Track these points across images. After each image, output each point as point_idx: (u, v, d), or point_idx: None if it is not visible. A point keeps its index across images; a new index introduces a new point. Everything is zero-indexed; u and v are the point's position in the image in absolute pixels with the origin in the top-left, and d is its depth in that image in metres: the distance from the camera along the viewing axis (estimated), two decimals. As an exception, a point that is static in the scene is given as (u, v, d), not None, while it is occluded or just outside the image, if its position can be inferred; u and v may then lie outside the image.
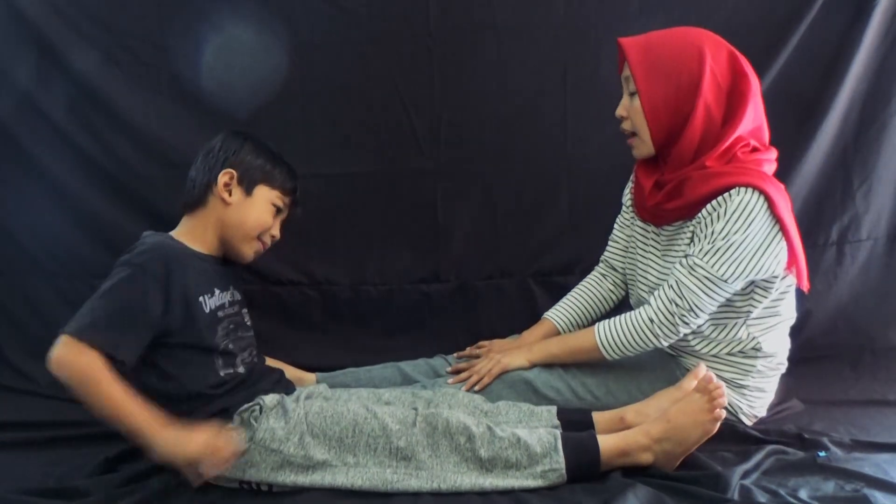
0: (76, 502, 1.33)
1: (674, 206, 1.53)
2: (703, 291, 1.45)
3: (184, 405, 1.36)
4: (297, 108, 1.94)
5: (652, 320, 1.50)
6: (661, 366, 1.60)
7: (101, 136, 1.94)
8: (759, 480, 1.35)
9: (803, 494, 1.29)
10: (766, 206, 1.43)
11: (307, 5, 1.91)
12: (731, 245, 1.43)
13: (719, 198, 1.45)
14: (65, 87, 1.92)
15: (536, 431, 1.37)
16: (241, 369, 1.45)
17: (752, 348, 1.54)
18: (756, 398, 1.58)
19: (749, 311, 1.51)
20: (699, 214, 1.48)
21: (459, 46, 1.94)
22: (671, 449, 1.37)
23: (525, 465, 1.33)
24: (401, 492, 1.32)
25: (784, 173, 1.72)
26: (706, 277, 1.45)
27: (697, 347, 1.56)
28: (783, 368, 1.61)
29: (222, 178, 1.47)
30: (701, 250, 1.46)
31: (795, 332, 1.64)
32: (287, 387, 1.53)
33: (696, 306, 1.46)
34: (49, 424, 1.66)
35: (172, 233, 1.49)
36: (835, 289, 2.01)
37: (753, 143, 1.52)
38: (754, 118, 1.51)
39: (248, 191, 1.49)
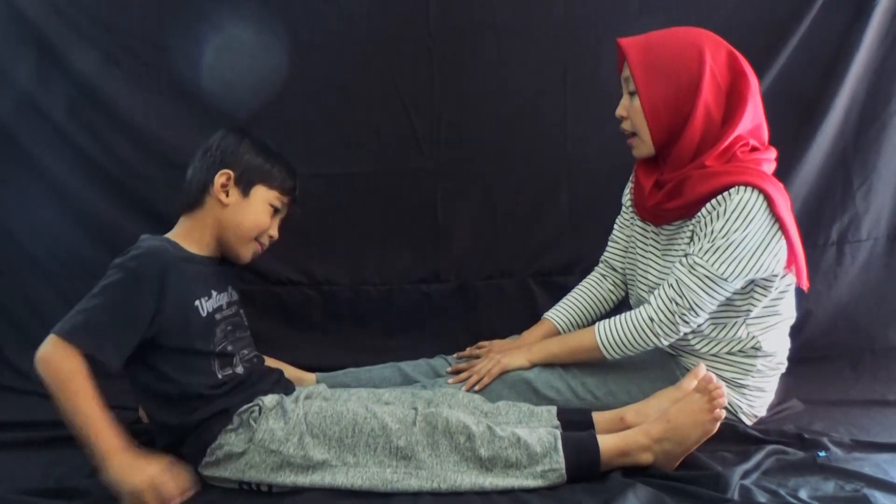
0: (76, 502, 1.33)
1: (673, 206, 1.53)
2: (703, 290, 1.45)
3: (183, 406, 1.36)
4: (297, 108, 1.95)
5: (652, 319, 1.50)
6: (660, 365, 1.60)
7: (101, 136, 1.94)
8: (759, 480, 1.35)
9: (803, 494, 1.29)
10: (765, 204, 1.43)
11: (307, 5, 1.92)
12: (730, 244, 1.43)
13: (719, 197, 1.45)
14: (65, 87, 1.92)
15: (536, 431, 1.37)
16: (239, 370, 1.44)
17: (752, 347, 1.54)
18: (756, 397, 1.58)
19: (749, 310, 1.51)
20: (699, 213, 1.48)
21: (459, 46, 1.94)
22: (671, 449, 1.37)
23: (525, 465, 1.33)
24: (400, 491, 1.32)
25: (784, 173, 1.72)
26: (706, 276, 1.45)
27: (697, 346, 1.56)
28: (783, 368, 1.61)
29: (219, 179, 1.45)
30: (701, 249, 1.46)
31: (795, 332, 1.64)
32: (286, 387, 1.52)
33: (697, 305, 1.46)
34: (49, 424, 1.65)
35: (169, 234, 1.47)
36: (835, 289, 2.01)
37: (753, 142, 1.52)
38: (753, 117, 1.51)
39: (246, 192, 1.47)
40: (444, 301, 2.03)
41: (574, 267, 1.99)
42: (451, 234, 2.02)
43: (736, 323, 1.53)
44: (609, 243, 1.78)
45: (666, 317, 1.48)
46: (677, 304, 1.47)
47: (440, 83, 1.96)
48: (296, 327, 2.02)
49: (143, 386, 1.37)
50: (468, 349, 1.75)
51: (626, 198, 1.74)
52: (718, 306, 1.50)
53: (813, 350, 1.91)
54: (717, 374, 1.48)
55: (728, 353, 1.55)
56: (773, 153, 1.55)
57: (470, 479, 1.32)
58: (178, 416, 1.36)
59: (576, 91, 1.95)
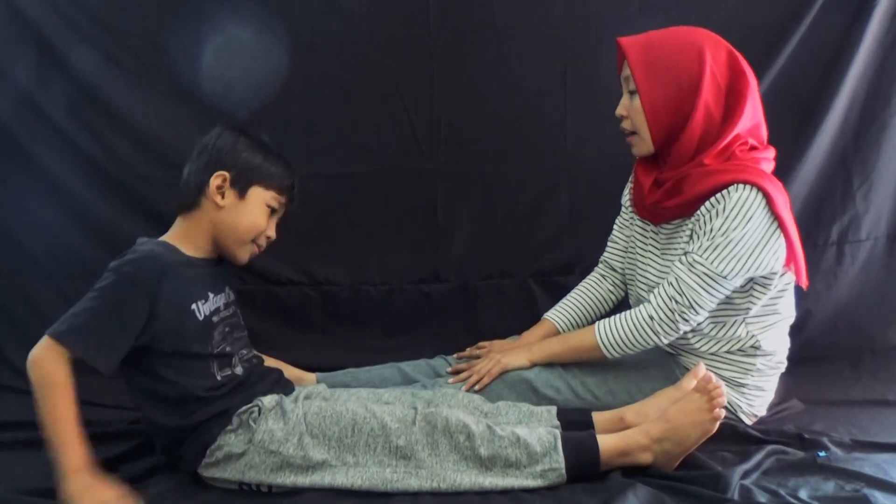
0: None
1: (673, 204, 1.53)
2: (702, 288, 1.46)
3: (182, 408, 1.35)
4: (297, 108, 1.95)
5: (652, 318, 1.50)
6: (660, 365, 1.60)
7: (101, 136, 1.94)
8: (759, 480, 1.35)
9: (803, 494, 1.29)
10: (764, 202, 1.43)
11: (307, 5, 1.92)
12: (730, 241, 1.43)
13: (718, 195, 1.45)
14: (65, 87, 1.92)
15: (536, 431, 1.37)
16: (238, 370, 1.44)
17: (752, 346, 1.54)
18: (755, 397, 1.58)
19: (748, 309, 1.51)
20: (698, 212, 1.49)
21: (459, 46, 1.94)
22: (671, 449, 1.37)
23: (525, 465, 1.33)
24: (400, 491, 1.32)
25: (784, 173, 1.72)
26: (706, 274, 1.45)
27: (697, 345, 1.56)
28: (783, 367, 1.61)
29: (214, 180, 1.42)
30: (700, 247, 1.46)
31: (795, 331, 1.64)
32: (286, 387, 1.52)
33: (696, 303, 1.46)
34: (49, 424, 1.66)
35: (166, 236, 1.45)
36: (835, 289, 2.01)
37: (752, 141, 1.52)
38: (752, 117, 1.51)
39: (242, 193, 1.44)
40: (444, 301, 2.03)
41: (574, 267, 1.99)
42: (451, 234, 2.02)
43: (735, 321, 1.53)
44: (609, 243, 1.78)
45: (666, 315, 1.48)
46: (677, 302, 1.47)
47: (440, 83, 1.96)
48: (296, 327, 2.02)
49: (141, 389, 1.37)
50: (468, 349, 1.75)
51: (626, 198, 1.74)
52: (718, 305, 1.50)
53: (813, 350, 1.92)
54: (716, 374, 1.48)
55: (727, 352, 1.55)
56: (771, 152, 1.55)
57: (470, 478, 1.32)
58: (176, 419, 1.36)
59: (576, 91, 1.95)
